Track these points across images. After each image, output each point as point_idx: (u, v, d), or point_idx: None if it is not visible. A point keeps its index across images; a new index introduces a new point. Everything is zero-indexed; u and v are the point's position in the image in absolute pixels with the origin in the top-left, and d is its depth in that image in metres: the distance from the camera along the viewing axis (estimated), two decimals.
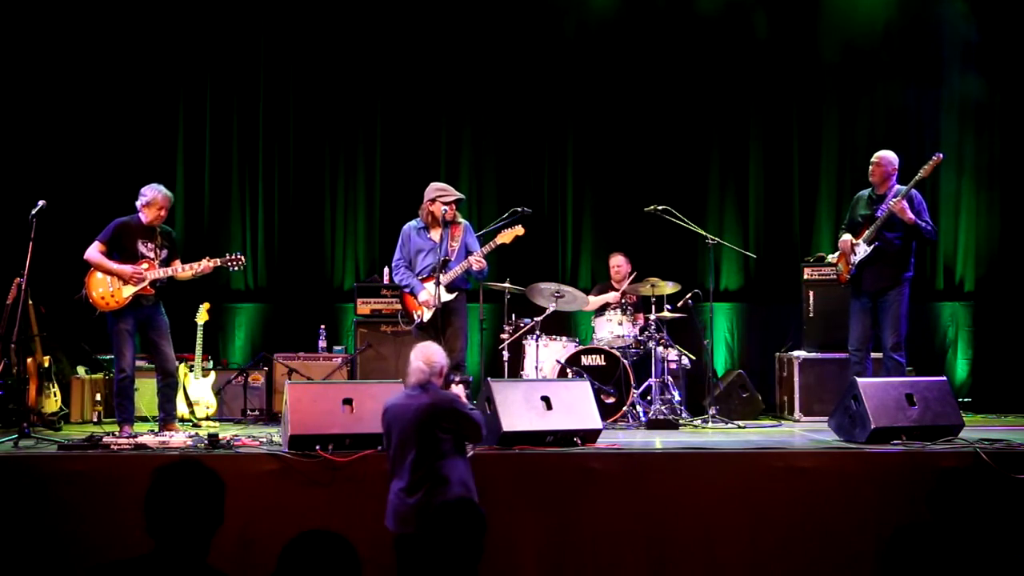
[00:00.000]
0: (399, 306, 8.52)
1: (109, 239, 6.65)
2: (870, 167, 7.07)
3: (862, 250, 6.94)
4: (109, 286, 6.58)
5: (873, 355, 7.17)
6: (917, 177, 6.84)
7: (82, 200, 8.71)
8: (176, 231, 7.09)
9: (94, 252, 6.63)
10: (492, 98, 9.63)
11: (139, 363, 7.03)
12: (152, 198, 6.65)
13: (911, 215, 6.78)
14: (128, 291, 6.57)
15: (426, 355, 4.77)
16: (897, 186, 6.97)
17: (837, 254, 7.22)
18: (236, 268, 6.90)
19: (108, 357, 7.91)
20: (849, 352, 7.15)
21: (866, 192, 7.17)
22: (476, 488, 4.71)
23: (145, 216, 6.67)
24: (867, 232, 6.93)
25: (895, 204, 6.74)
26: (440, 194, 6.69)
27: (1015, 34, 9.46)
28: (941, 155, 6.91)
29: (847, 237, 7.09)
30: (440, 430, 4.62)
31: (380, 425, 4.84)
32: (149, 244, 6.69)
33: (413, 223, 6.81)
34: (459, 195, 6.73)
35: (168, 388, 6.81)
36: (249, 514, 5.06)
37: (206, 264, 6.72)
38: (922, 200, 6.99)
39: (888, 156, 7.04)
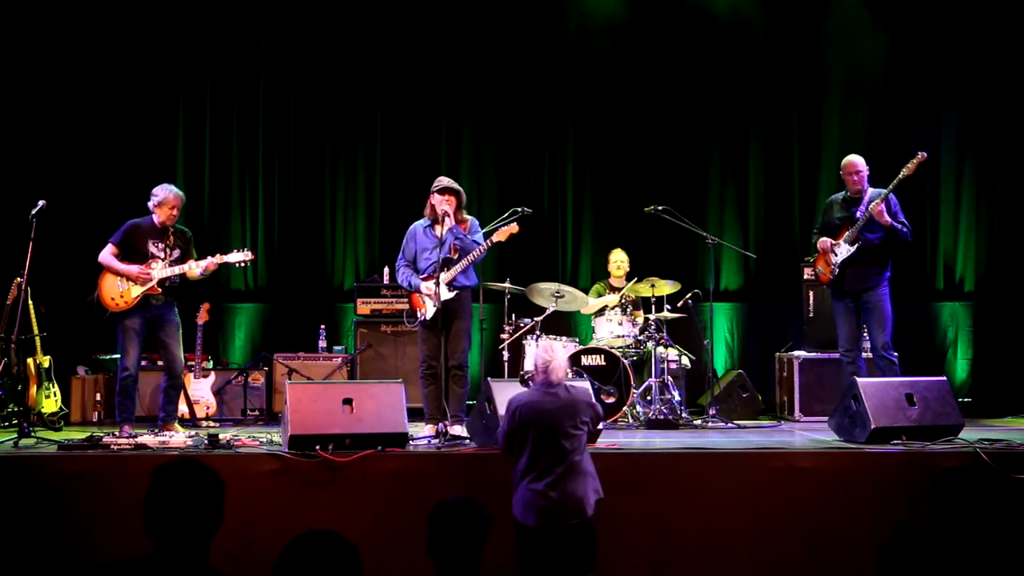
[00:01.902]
0: (399, 306, 8.56)
1: (120, 241, 6.69)
2: (851, 176, 7.01)
3: (844, 250, 6.96)
4: (118, 287, 6.61)
5: (865, 355, 7.20)
6: (901, 175, 6.83)
7: (82, 200, 8.72)
8: None
9: (105, 254, 6.67)
10: (492, 97, 9.64)
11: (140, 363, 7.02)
12: (163, 198, 6.68)
13: (887, 218, 6.82)
14: (136, 291, 6.59)
15: (559, 353, 4.87)
16: (871, 189, 7.00)
17: (815, 256, 7.26)
18: (244, 264, 6.90)
19: (108, 357, 7.92)
20: (841, 353, 7.17)
21: (840, 195, 7.21)
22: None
23: (157, 216, 6.71)
24: (848, 233, 6.96)
25: (874, 207, 6.80)
26: (433, 186, 6.67)
27: (1015, 35, 9.46)
28: (924, 153, 6.91)
29: (825, 239, 7.12)
30: (581, 423, 4.75)
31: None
32: (160, 244, 6.71)
33: (420, 222, 6.78)
34: (446, 182, 6.61)
35: (172, 390, 6.84)
36: (249, 514, 5.06)
37: (211, 261, 6.73)
38: (898, 202, 7.01)
39: (859, 161, 7.06)
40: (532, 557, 4.64)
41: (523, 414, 4.71)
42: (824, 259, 7.10)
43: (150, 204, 6.72)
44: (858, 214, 6.93)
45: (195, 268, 6.70)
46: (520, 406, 4.75)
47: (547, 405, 4.72)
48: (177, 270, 6.67)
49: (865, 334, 7.29)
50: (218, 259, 6.74)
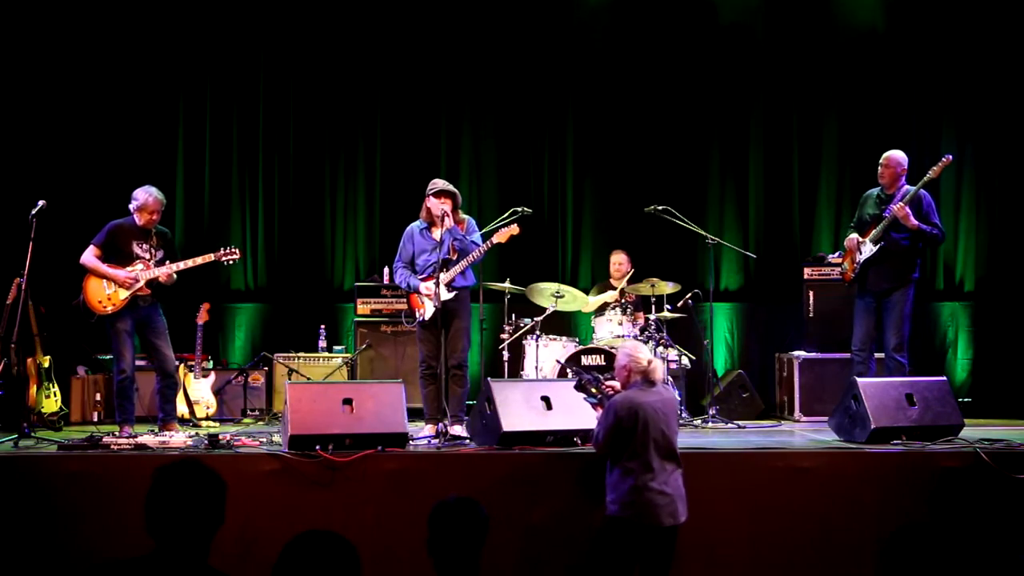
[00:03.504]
0: (399, 306, 8.55)
1: (103, 242, 6.66)
2: (879, 168, 7.02)
3: (868, 249, 6.90)
4: (105, 290, 6.59)
5: (876, 355, 7.17)
6: (926, 178, 6.80)
7: (82, 200, 8.71)
8: (176, 232, 7.10)
9: (89, 256, 6.65)
10: (491, 98, 9.63)
11: (138, 363, 7.02)
12: (143, 202, 6.65)
13: (914, 221, 6.74)
14: (124, 293, 6.58)
15: (650, 352, 5.09)
16: (906, 186, 6.94)
17: (842, 252, 7.19)
18: (230, 262, 6.90)
19: (108, 357, 7.91)
20: (852, 352, 7.11)
21: (875, 191, 7.12)
22: None
23: (138, 218, 6.68)
24: (874, 231, 6.90)
25: (898, 210, 6.72)
26: (429, 188, 6.66)
27: (1014, 37, 9.46)
28: (950, 156, 6.87)
29: (853, 236, 7.06)
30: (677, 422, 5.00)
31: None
32: (144, 245, 6.69)
33: (417, 223, 6.78)
34: (442, 185, 6.59)
35: (168, 389, 6.82)
36: (249, 514, 5.05)
37: (171, 269, 6.65)
38: (931, 201, 6.95)
39: (897, 156, 7.00)
40: (626, 555, 4.75)
41: (638, 413, 4.77)
42: (850, 256, 7.04)
43: (131, 206, 6.69)
44: (886, 212, 6.88)
45: (175, 272, 6.66)
46: (635, 405, 4.80)
47: (656, 404, 4.84)
48: (164, 270, 6.67)
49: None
50: (176, 267, 6.69)
